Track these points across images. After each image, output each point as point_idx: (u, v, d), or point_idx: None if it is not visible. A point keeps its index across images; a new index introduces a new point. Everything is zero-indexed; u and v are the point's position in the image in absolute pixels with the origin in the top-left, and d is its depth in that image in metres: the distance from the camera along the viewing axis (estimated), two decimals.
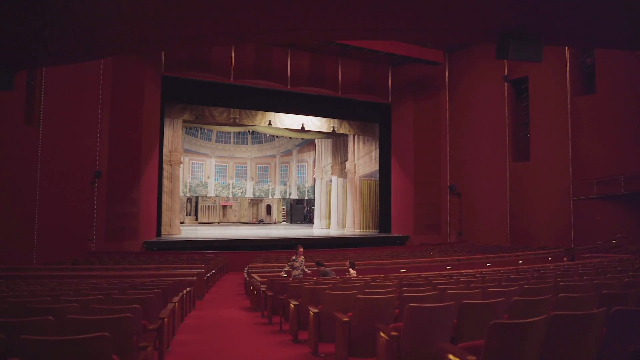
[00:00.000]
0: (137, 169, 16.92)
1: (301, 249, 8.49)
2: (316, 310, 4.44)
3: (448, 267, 10.31)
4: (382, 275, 7.40)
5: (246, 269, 9.98)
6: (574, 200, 17.25)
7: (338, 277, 7.26)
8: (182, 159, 29.99)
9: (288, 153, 34.99)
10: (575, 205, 17.26)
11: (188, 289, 6.88)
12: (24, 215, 11.01)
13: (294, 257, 8.43)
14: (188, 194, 32.33)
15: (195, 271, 8.46)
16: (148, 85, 17.59)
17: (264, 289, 6.65)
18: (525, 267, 9.37)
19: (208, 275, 10.27)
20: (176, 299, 5.53)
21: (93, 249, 14.68)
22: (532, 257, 12.30)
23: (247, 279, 8.73)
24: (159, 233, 18.55)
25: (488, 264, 11.07)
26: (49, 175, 11.89)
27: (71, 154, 13.29)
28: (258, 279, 7.55)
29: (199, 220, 33.53)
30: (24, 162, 11.07)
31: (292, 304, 5.13)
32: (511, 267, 9.24)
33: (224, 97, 20.22)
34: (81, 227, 14.00)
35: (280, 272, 8.60)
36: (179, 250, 17.10)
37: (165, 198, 20.06)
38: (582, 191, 17.04)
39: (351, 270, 7.91)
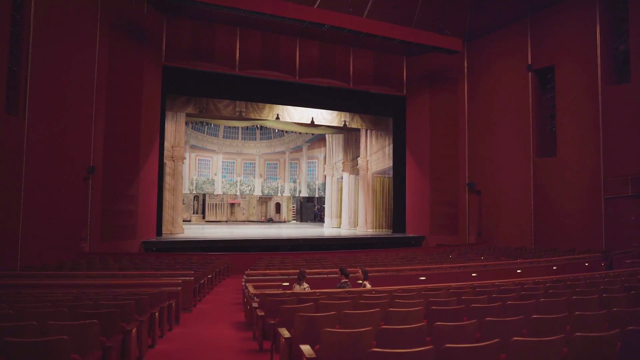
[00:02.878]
0: (135, 164, 15.94)
1: (306, 274, 7.20)
2: (313, 356, 3.26)
3: (474, 275, 9.12)
4: (400, 289, 6.21)
5: (245, 275, 8.86)
6: (606, 199, 15.83)
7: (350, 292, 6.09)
8: (185, 155, 29.15)
9: (298, 149, 33.87)
10: (606, 204, 15.83)
11: (169, 302, 5.79)
12: (6, 214, 10.04)
13: (296, 285, 7.09)
14: (194, 192, 31.40)
15: (180, 280, 7.32)
16: (147, 75, 16.59)
17: (255, 306, 5.53)
18: (564, 276, 8.09)
19: (202, 281, 9.23)
20: (135, 325, 4.42)
21: (87, 250, 13.72)
22: (566, 263, 10.99)
23: (243, 287, 7.59)
24: (159, 232, 17.56)
25: (518, 271, 9.83)
26: (36, 170, 10.91)
27: (61, 147, 12.32)
28: (251, 290, 6.39)
29: (206, 219, 32.60)
30: (5, 155, 10.08)
31: (283, 336, 3.98)
32: (548, 277, 7.98)
33: (229, 89, 19.14)
34: (73, 226, 13.03)
35: (282, 281, 7.46)
36: (179, 251, 16.10)
37: (167, 195, 19.08)
38: (615, 189, 15.61)
39: (366, 283, 6.77)
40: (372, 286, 6.80)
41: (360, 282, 7.39)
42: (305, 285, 6.90)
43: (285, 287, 7.63)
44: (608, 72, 16.22)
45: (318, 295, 5.45)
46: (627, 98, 15.44)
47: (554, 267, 10.33)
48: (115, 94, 14.97)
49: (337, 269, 10.60)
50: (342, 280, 6.70)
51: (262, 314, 5.06)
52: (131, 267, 10.24)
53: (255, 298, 5.92)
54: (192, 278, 8.13)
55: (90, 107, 13.87)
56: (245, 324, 6.71)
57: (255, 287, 6.85)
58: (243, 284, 8.32)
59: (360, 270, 7.07)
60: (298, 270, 7.33)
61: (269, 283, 7.78)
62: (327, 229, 27.24)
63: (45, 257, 11.23)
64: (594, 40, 16.26)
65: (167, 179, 19.32)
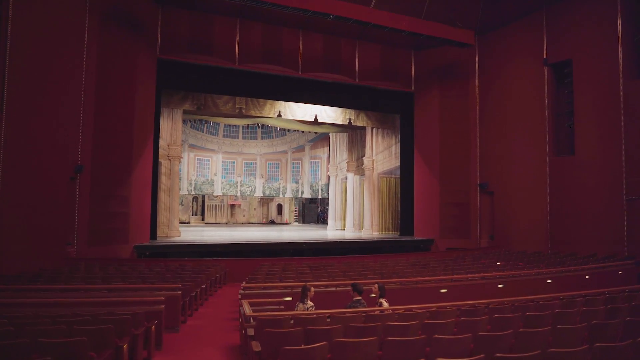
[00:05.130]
0: (127, 163, 14.95)
1: (312, 291, 6.15)
2: None
3: (500, 286, 8.12)
4: (427, 311, 5.18)
5: (241, 288, 7.84)
6: (628, 200, 14.78)
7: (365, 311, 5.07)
8: (184, 154, 28.22)
9: (300, 149, 32.85)
10: (629, 206, 14.79)
11: (148, 325, 4.79)
12: None
13: (299, 304, 6.05)
14: (193, 193, 30.42)
15: (162, 297, 6.29)
16: (141, 68, 15.62)
17: (251, 334, 4.53)
18: (603, 290, 7.06)
19: (194, 293, 8.25)
20: None
21: (73, 255, 12.74)
22: (598, 272, 9.96)
23: (239, 302, 6.57)
24: (153, 236, 16.56)
25: (549, 281, 8.82)
26: (15, 169, 9.94)
27: (45, 145, 11.36)
28: (247, 311, 5.35)
29: (206, 221, 31.62)
30: None
31: None
32: (587, 292, 6.94)
33: (228, 85, 18.14)
34: (58, 229, 12.05)
35: (283, 295, 6.46)
36: (174, 256, 15.11)
37: (162, 196, 18.12)
38: (638, 189, 14.59)
39: (383, 301, 5.77)
40: (389, 304, 5.81)
41: (374, 295, 6.40)
42: (310, 304, 5.89)
43: (287, 303, 6.62)
44: (630, 66, 15.21)
45: (329, 323, 4.47)
46: None
47: (587, 277, 9.31)
48: (106, 89, 14.01)
49: (344, 277, 9.63)
50: (355, 298, 5.70)
51: (259, 350, 4.07)
52: (117, 276, 9.25)
53: (251, 321, 4.93)
54: (180, 292, 7.11)
55: (78, 102, 12.91)
56: (241, 347, 5.71)
57: (252, 304, 5.84)
58: (239, 298, 7.30)
59: (377, 286, 6.07)
60: (300, 283, 6.33)
61: (268, 299, 6.77)
62: (331, 232, 26.22)
63: (26, 263, 10.27)
64: (614, 32, 15.25)
65: (163, 179, 18.36)
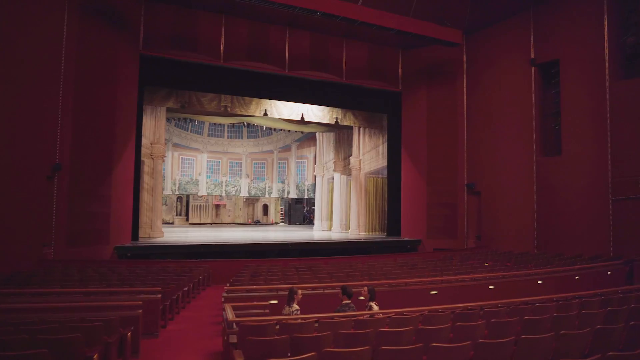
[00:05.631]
0: (108, 162, 14.49)
1: (300, 294, 5.87)
2: None
3: (491, 287, 7.96)
4: (420, 314, 4.95)
5: (224, 291, 7.51)
6: (614, 200, 14.83)
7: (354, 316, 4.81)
8: (168, 153, 27.70)
9: (287, 148, 32.53)
10: (615, 206, 14.84)
11: (124, 332, 4.46)
12: None
13: (286, 307, 5.80)
14: (177, 192, 29.87)
15: (140, 301, 5.93)
16: (123, 64, 15.16)
17: (234, 342, 4.24)
18: (596, 291, 6.92)
19: (176, 295, 7.91)
20: None
21: (51, 257, 12.26)
22: (587, 273, 9.87)
23: (223, 305, 6.26)
24: (135, 236, 16.10)
25: (539, 282, 8.69)
26: None
27: (20, 142, 10.89)
28: (230, 316, 5.04)
29: (190, 221, 31.08)
30: None
31: None
32: (580, 294, 6.80)
33: (213, 82, 17.75)
34: (34, 230, 11.58)
35: (268, 298, 6.17)
36: (156, 257, 14.67)
37: (145, 196, 17.66)
38: (624, 190, 14.62)
39: (373, 305, 5.53)
40: (379, 307, 5.57)
41: (363, 298, 6.15)
42: (296, 307, 5.61)
43: (272, 307, 6.33)
44: (616, 66, 15.28)
45: (317, 329, 4.20)
46: (638, 93, 14.50)
47: (577, 277, 9.22)
48: (86, 85, 13.54)
49: (332, 279, 9.37)
50: (344, 302, 5.45)
51: (241, 359, 3.78)
52: (95, 278, 8.84)
53: (234, 327, 4.63)
54: (159, 296, 6.77)
55: (56, 98, 12.43)
56: (223, 355, 5.41)
57: (235, 308, 5.54)
58: (222, 301, 6.99)
59: (366, 289, 5.82)
60: (287, 285, 6.05)
61: (253, 303, 6.47)
62: (317, 232, 25.96)
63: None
64: (601, 32, 15.31)
65: (146, 178, 17.89)
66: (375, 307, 5.52)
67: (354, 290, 5.91)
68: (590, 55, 15.57)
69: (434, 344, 3.31)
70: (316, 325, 4.52)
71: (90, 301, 6.06)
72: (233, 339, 4.35)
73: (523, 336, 3.25)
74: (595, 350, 3.14)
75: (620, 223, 14.60)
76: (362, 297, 5.95)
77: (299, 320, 4.71)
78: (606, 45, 15.24)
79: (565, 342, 3.32)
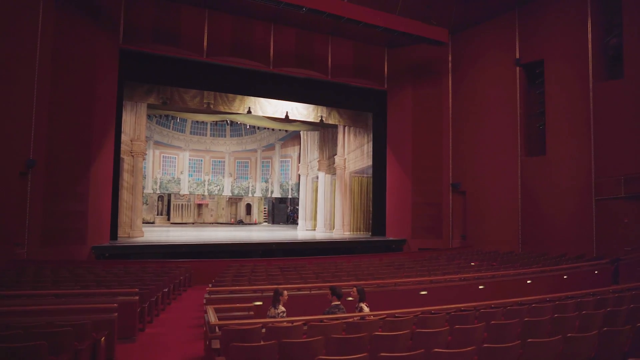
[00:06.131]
0: (85, 159, 13.96)
1: (285, 295, 5.58)
2: None
3: (481, 287, 7.81)
4: (407, 313, 4.73)
5: (206, 292, 7.18)
6: (597, 200, 14.93)
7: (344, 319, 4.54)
8: (149, 151, 27.10)
9: (270, 147, 32.14)
10: (598, 206, 14.94)
11: (97, 338, 4.13)
12: None
13: (271, 308, 5.46)
14: (159, 191, 29.22)
15: (115, 304, 5.55)
16: (102, 57, 14.64)
17: (216, 347, 3.95)
18: (588, 291, 6.81)
19: (155, 297, 7.55)
20: None
21: (24, 257, 11.71)
22: (574, 272, 9.82)
23: (205, 307, 5.93)
24: (114, 236, 15.58)
25: (528, 281, 8.58)
26: None
27: None
28: (212, 319, 4.73)
29: (171, 221, 30.45)
30: None
31: None
32: (573, 293, 6.68)
33: (196, 78, 17.31)
34: (6, 228, 11.04)
35: (253, 300, 5.88)
36: (136, 257, 14.21)
37: (124, 195, 17.14)
38: (607, 190, 14.72)
39: (363, 306, 5.28)
40: (370, 309, 5.33)
41: (351, 299, 5.91)
42: (282, 309, 5.33)
43: (257, 308, 6.04)
44: (600, 67, 15.38)
45: (306, 332, 3.92)
46: (620, 94, 14.61)
47: (565, 277, 9.15)
48: (62, 79, 13.02)
49: (318, 279, 9.11)
50: (333, 303, 5.19)
51: None
52: (69, 279, 8.41)
53: (217, 331, 4.33)
54: (137, 298, 6.41)
55: (30, 93, 11.89)
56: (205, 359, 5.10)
57: (218, 311, 5.23)
58: (204, 303, 6.66)
59: (356, 290, 5.57)
60: (272, 286, 5.76)
61: (237, 305, 6.16)
62: (302, 232, 25.67)
63: None
64: (585, 34, 15.41)
65: (125, 176, 17.36)
66: (366, 309, 5.28)
67: (342, 291, 5.67)
68: (574, 56, 15.65)
69: (436, 350, 3.07)
70: (305, 328, 4.25)
71: (62, 304, 5.67)
72: (215, 344, 4.05)
73: (530, 340, 3.05)
74: (603, 353, 2.96)
75: (603, 223, 14.69)
76: (350, 298, 5.71)
77: (285, 324, 4.43)
78: (590, 46, 15.33)
79: (572, 345, 3.14)
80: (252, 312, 5.98)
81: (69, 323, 4.21)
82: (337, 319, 4.60)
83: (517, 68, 17.52)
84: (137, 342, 6.38)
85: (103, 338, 4.75)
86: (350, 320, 4.53)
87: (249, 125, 27.59)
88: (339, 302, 5.23)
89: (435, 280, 8.01)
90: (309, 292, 6.91)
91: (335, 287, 5.35)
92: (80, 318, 4.67)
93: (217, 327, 4.40)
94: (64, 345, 3.89)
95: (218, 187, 31.22)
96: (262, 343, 3.67)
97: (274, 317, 5.16)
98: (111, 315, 5.29)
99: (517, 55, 17.45)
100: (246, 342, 3.74)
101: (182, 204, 31.04)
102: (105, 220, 15.09)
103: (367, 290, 6.85)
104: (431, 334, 3.81)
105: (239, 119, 23.01)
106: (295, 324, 4.32)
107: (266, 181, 32.32)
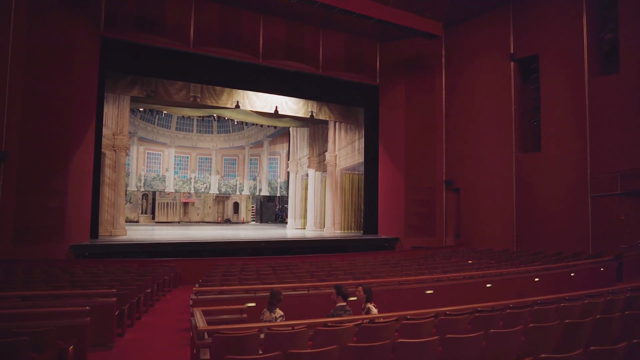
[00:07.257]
0: (62, 152, 13.16)
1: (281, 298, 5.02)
2: None
3: (488, 285, 7.36)
4: (421, 315, 4.19)
5: (193, 293, 6.56)
6: (593, 197, 14.66)
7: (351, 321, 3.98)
8: (133, 148, 26.25)
9: (259, 144, 31.46)
10: (593, 203, 14.67)
11: (63, 347, 3.51)
12: None
13: (266, 312, 4.91)
14: (143, 189, 28.33)
15: (87, 307, 4.87)
16: (81, 45, 13.85)
17: (205, 358, 3.37)
18: (600, 290, 6.36)
19: (136, 299, 6.91)
20: None
21: None
22: (581, 270, 9.43)
23: (191, 309, 5.33)
24: (95, 234, 14.80)
25: (536, 279, 8.15)
26: None
27: None
28: (200, 324, 4.08)
29: (156, 219, 29.58)
30: None
31: None
32: (587, 292, 6.21)
33: (182, 70, 16.62)
34: None
35: (244, 301, 5.29)
36: (118, 256, 13.48)
37: (106, 191, 16.36)
38: (603, 186, 14.46)
39: (371, 307, 4.74)
40: (378, 310, 4.79)
41: (355, 298, 5.36)
42: (280, 313, 4.73)
43: (250, 310, 5.45)
44: (595, 63, 15.13)
45: (313, 339, 3.35)
46: (616, 90, 14.36)
47: (572, 274, 8.75)
48: (37, 68, 12.21)
49: (313, 278, 8.56)
50: (339, 305, 4.63)
51: None
52: (42, 280, 7.70)
53: (206, 337, 3.74)
54: (114, 299, 5.76)
55: (2, 81, 11.10)
56: None
57: (206, 314, 4.64)
58: (191, 305, 6.05)
59: (361, 289, 5.03)
60: (264, 286, 5.18)
61: (227, 307, 5.55)
62: (291, 231, 25.07)
63: None
64: (580, 29, 15.14)
65: (107, 171, 16.59)
66: (374, 310, 4.73)
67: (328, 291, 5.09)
68: (569, 51, 15.39)
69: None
70: (311, 333, 3.68)
71: (26, 307, 5.00)
72: (205, 353, 3.46)
73: (592, 347, 2.56)
74: None
75: (599, 220, 14.44)
76: (353, 298, 5.17)
77: (286, 329, 3.84)
78: (585, 41, 15.06)
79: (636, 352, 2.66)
80: (245, 315, 5.39)
81: (27, 330, 3.57)
82: (347, 321, 4.04)
83: (512, 63, 17.19)
84: (114, 350, 5.69)
85: (71, 347, 4.11)
86: (364, 324, 3.95)
87: (237, 122, 26.93)
88: (344, 303, 4.67)
89: (439, 279, 7.52)
90: (306, 292, 6.33)
91: (341, 286, 4.79)
92: (44, 324, 4.03)
93: (205, 333, 3.80)
94: (19, 357, 3.26)
95: (205, 185, 30.45)
96: (261, 354, 3.09)
97: (270, 322, 4.58)
98: (82, 320, 4.63)
99: (512, 50, 17.14)
100: (243, 352, 3.16)
101: (167, 202, 30.19)
102: (85, 217, 14.31)
103: (374, 289, 6.32)
104: (462, 341, 3.27)
105: (226, 114, 22.32)
106: (297, 329, 3.74)
107: (254, 179, 31.64)
